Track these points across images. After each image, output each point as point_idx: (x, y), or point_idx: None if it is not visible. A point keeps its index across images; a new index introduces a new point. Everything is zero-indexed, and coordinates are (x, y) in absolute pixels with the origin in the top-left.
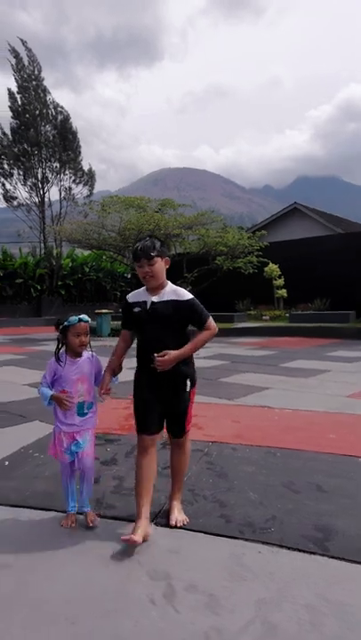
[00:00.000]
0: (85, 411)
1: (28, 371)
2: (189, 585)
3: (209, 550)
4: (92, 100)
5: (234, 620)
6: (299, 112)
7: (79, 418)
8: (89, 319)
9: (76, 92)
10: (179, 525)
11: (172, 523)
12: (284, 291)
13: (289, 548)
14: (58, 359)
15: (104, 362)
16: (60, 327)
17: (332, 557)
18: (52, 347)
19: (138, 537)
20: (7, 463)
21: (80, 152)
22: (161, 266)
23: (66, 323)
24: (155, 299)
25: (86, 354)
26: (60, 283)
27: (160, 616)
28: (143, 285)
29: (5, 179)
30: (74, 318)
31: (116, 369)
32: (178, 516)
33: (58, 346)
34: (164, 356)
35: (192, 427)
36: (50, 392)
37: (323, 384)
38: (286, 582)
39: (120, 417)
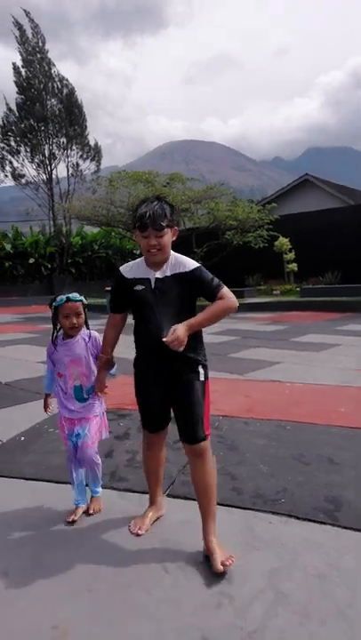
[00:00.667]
0: (85, 396)
1: (41, 348)
2: (201, 554)
3: (221, 521)
4: (96, 71)
5: (246, 589)
6: (309, 78)
7: (79, 403)
8: (81, 297)
9: (80, 63)
10: (226, 569)
11: (218, 569)
12: (295, 265)
13: (300, 519)
14: (53, 341)
15: None
16: (52, 308)
17: (343, 527)
18: None
19: (142, 529)
20: (23, 439)
21: (86, 126)
22: (169, 237)
23: (54, 303)
24: (158, 274)
25: (81, 334)
26: (70, 260)
27: (172, 585)
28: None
29: (13, 156)
30: (61, 297)
31: (106, 365)
32: (220, 556)
33: (54, 327)
34: (173, 336)
35: None
36: (46, 387)
37: (333, 358)
38: (297, 552)
39: (132, 392)
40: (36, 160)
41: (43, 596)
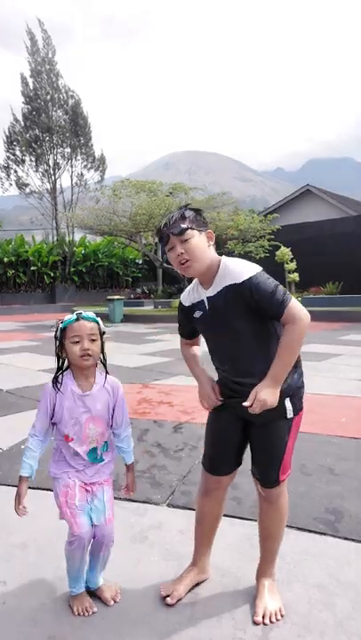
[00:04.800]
0: (100, 457)
1: (43, 357)
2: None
3: (221, 531)
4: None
5: (245, 599)
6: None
7: (92, 464)
8: (97, 318)
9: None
10: (267, 623)
11: (257, 618)
12: (296, 275)
13: (300, 529)
14: (56, 384)
15: (119, 349)
16: (57, 334)
17: (343, 538)
18: None
19: (173, 597)
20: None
21: (91, 137)
22: (201, 241)
23: (60, 325)
24: (210, 292)
25: (102, 381)
26: (72, 269)
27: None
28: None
29: (17, 165)
30: (69, 317)
31: (208, 381)
32: (268, 603)
33: (58, 365)
34: (256, 403)
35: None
36: (28, 466)
37: (335, 368)
38: (297, 562)
39: (133, 401)
40: (40, 169)
41: (40, 608)
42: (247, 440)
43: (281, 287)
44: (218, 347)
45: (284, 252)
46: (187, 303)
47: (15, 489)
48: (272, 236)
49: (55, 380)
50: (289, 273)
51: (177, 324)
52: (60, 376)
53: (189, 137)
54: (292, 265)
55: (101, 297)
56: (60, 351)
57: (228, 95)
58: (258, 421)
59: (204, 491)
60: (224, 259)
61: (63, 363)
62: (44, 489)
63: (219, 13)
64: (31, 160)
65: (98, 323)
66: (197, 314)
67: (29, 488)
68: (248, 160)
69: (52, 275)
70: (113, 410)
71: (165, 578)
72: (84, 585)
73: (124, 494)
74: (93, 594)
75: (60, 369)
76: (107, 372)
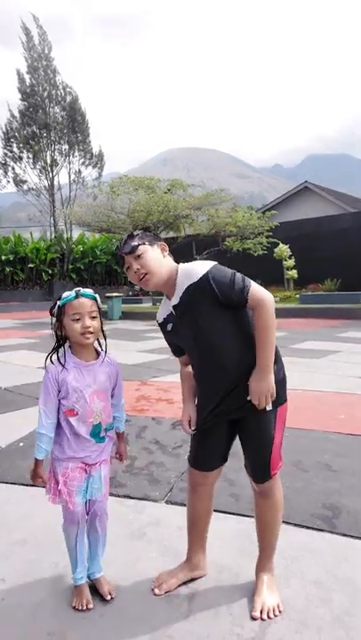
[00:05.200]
0: (103, 435)
1: (41, 354)
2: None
3: (218, 527)
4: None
5: (243, 595)
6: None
7: (96, 444)
8: (95, 295)
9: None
10: (265, 618)
11: (255, 614)
12: (295, 271)
13: (297, 526)
14: (59, 361)
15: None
16: (54, 311)
17: (341, 534)
18: None
19: (162, 588)
20: (22, 444)
21: (89, 133)
22: (154, 255)
23: (59, 302)
24: (174, 300)
25: (103, 356)
26: (70, 266)
27: (170, 592)
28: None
29: (15, 162)
30: (69, 293)
31: (189, 409)
32: (266, 599)
33: (56, 342)
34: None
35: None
36: (44, 451)
37: (333, 365)
38: (295, 558)
39: (131, 398)
40: (37, 166)
41: (40, 604)
42: (233, 436)
43: (239, 275)
44: (197, 358)
45: (283, 249)
46: (160, 320)
47: (12, 485)
48: (270, 233)
49: (57, 357)
50: (287, 270)
51: None
52: (62, 352)
53: (187, 133)
54: (291, 262)
55: (100, 294)
56: (59, 329)
57: (226, 91)
58: (238, 416)
59: (191, 487)
60: (180, 265)
61: (61, 340)
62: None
63: (218, 10)
64: (28, 157)
65: (96, 300)
66: (169, 327)
67: (26, 485)
68: (246, 156)
69: (49, 272)
70: (115, 383)
71: (161, 571)
72: (87, 575)
73: (119, 461)
74: (92, 587)
75: (58, 347)
76: (106, 345)
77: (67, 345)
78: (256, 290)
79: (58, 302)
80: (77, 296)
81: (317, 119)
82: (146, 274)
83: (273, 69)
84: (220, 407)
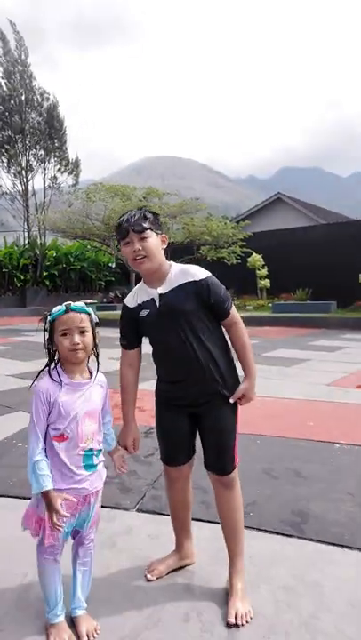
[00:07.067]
0: (95, 462)
1: (12, 361)
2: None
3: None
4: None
5: (214, 601)
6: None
7: (87, 472)
8: (87, 308)
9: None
10: (240, 623)
11: (231, 619)
12: (267, 281)
13: (267, 532)
14: (51, 378)
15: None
16: (46, 327)
17: (309, 540)
18: (37, 337)
19: (153, 574)
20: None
21: (66, 140)
22: (156, 243)
23: (49, 317)
24: (161, 289)
25: (94, 373)
26: (44, 273)
27: (142, 600)
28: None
29: None
30: (59, 308)
31: (131, 431)
32: (239, 606)
33: (49, 357)
34: (244, 400)
35: None
36: (44, 482)
37: (303, 373)
38: (264, 565)
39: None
40: (12, 171)
41: (5, 615)
42: (194, 431)
43: (227, 292)
44: (169, 340)
45: (256, 259)
46: (132, 305)
47: None
48: (244, 243)
49: (50, 375)
50: (260, 279)
51: None
52: (54, 369)
53: (163, 142)
54: (264, 271)
55: (73, 300)
56: (50, 344)
57: (202, 101)
58: (207, 405)
59: (168, 482)
60: (174, 263)
61: (53, 357)
62: (5, 496)
63: (194, 21)
64: (2, 161)
65: (89, 313)
66: (144, 312)
67: None
68: (221, 167)
69: (22, 278)
70: (103, 404)
71: (135, 583)
72: (64, 611)
73: (120, 473)
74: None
75: (50, 363)
76: (98, 364)
77: (59, 363)
78: (234, 309)
79: (48, 317)
80: (67, 310)
81: (291, 133)
82: (145, 256)
83: (248, 83)
84: (180, 394)
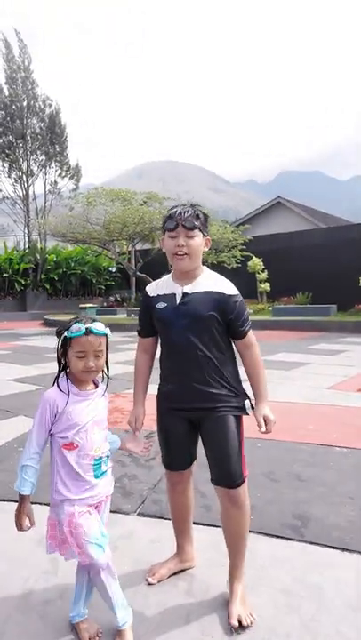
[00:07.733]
0: (105, 469)
1: (13, 365)
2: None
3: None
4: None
5: (214, 605)
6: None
7: (98, 479)
8: (106, 331)
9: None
10: (244, 624)
11: (233, 622)
12: (267, 285)
13: (268, 535)
14: (59, 386)
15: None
16: (60, 339)
17: (309, 543)
18: (38, 341)
19: (154, 578)
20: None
21: (67, 146)
22: (200, 243)
23: (66, 334)
24: (187, 288)
25: (101, 385)
26: (44, 277)
27: (143, 603)
28: (159, 277)
29: None
30: (78, 327)
31: (138, 412)
32: (240, 609)
33: (59, 368)
34: (268, 426)
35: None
36: (30, 485)
37: (304, 376)
38: (264, 568)
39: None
40: (13, 176)
41: (7, 620)
42: (195, 437)
43: (249, 315)
44: (180, 338)
45: (256, 263)
46: (153, 293)
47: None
48: (244, 247)
49: (57, 385)
50: (260, 283)
51: None
52: (62, 379)
53: (163, 146)
54: (264, 275)
55: (74, 305)
56: (63, 357)
57: (203, 106)
58: (212, 413)
59: (170, 486)
60: (206, 267)
61: (65, 368)
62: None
63: (193, 25)
64: (3, 166)
65: (106, 336)
66: (161, 305)
67: None
68: (221, 171)
69: (22, 282)
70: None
71: (137, 587)
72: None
73: (143, 453)
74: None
75: (59, 373)
76: (108, 378)
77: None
78: (251, 332)
79: (65, 333)
80: (87, 333)
81: (291, 137)
82: (186, 254)
83: (248, 88)
84: (180, 395)
